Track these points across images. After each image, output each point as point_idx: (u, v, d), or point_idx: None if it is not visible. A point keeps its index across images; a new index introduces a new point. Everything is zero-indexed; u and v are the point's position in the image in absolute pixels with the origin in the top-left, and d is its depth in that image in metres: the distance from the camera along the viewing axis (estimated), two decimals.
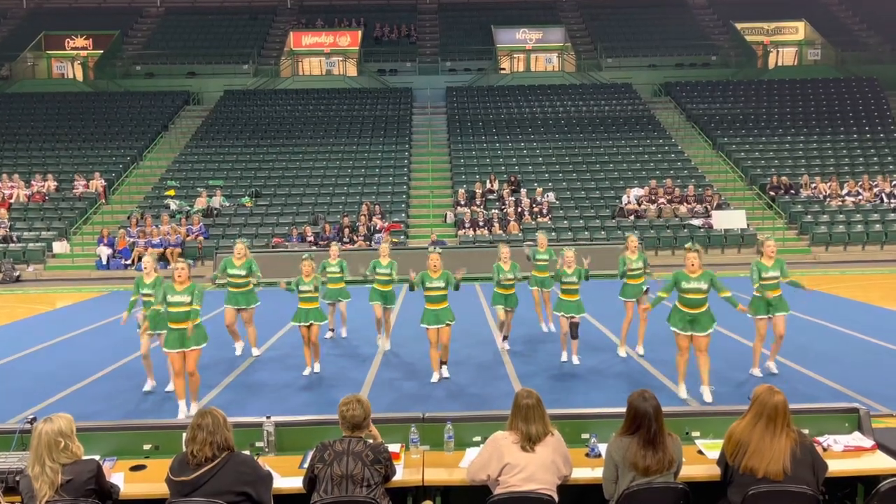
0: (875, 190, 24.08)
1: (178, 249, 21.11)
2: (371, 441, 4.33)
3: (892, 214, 22.79)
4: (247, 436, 4.98)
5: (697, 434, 5.13)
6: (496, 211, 23.00)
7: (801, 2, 36.79)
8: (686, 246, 8.23)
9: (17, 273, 20.77)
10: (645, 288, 10.31)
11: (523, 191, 24.06)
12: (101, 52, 34.48)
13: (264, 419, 5.09)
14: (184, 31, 36.50)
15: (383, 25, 36.46)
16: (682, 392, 8.19)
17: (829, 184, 24.37)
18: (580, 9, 38.17)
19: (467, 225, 22.09)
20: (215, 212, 23.42)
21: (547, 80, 33.36)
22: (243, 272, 10.36)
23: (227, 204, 24.02)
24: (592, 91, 32.24)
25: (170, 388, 8.70)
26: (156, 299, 7.99)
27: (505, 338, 10.76)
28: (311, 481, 4.24)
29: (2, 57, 33.32)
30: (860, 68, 32.82)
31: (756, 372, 8.93)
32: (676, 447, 4.28)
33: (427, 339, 9.11)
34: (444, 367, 9.34)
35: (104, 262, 21.07)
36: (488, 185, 24.41)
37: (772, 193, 24.31)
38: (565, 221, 22.84)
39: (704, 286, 7.88)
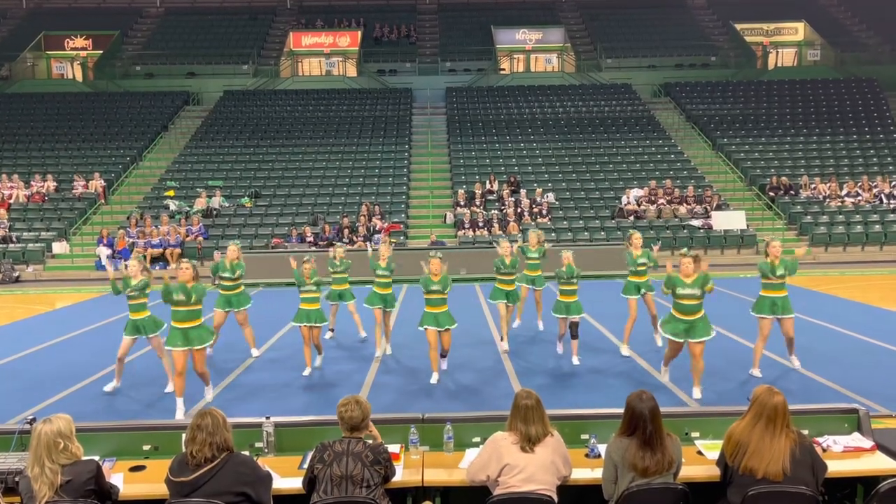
0: (874, 191, 24.09)
1: (178, 250, 21.10)
2: (371, 442, 4.33)
3: (892, 215, 22.80)
4: (246, 436, 4.98)
5: (697, 435, 5.14)
6: (496, 211, 22.99)
7: (801, 2, 36.81)
8: (681, 252, 8.35)
9: (16, 273, 20.77)
10: (651, 291, 10.37)
11: (523, 191, 24.06)
12: (101, 52, 34.47)
13: (264, 420, 5.09)
14: (183, 32, 36.50)
15: (383, 26, 36.46)
16: (665, 377, 8.71)
17: (828, 184, 24.38)
18: (580, 9, 38.18)
19: (467, 225, 22.09)
20: (215, 212, 23.41)
21: (546, 80, 33.36)
22: (233, 274, 10.35)
23: (227, 204, 24.01)
24: (592, 91, 32.25)
25: (169, 388, 8.74)
26: (163, 298, 7.93)
27: (502, 338, 10.76)
28: (311, 482, 4.25)
29: (1, 57, 33.31)
30: (859, 69, 32.84)
31: (756, 372, 8.93)
32: (676, 448, 4.28)
33: (426, 341, 9.12)
34: (444, 360, 9.41)
35: (103, 262, 21.05)
36: (488, 186, 24.41)
37: (771, 194, 24.32)
38: (565, 222, 22.84)
39: (699, 292, 7.93)
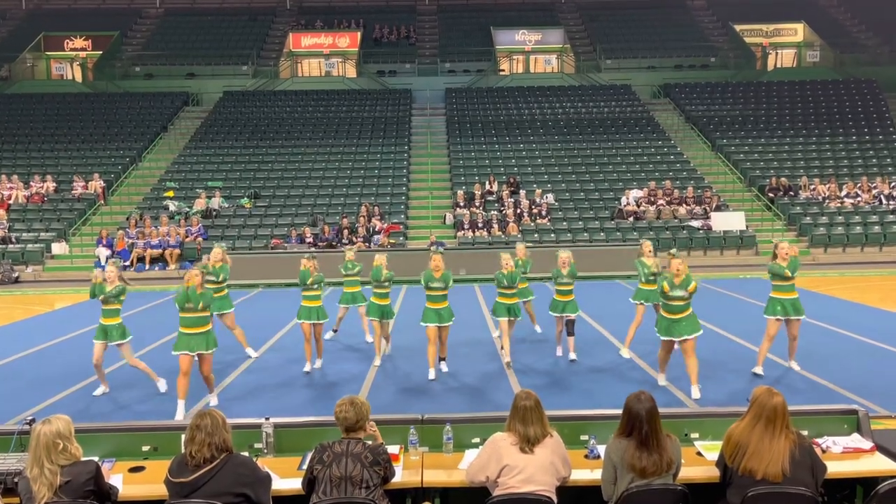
0: (874, 192, 24.10)
1: (177, 251, 21.10)
2: (370, 442, 4.33)
3: (891, 216, 22.81)
4: (246, 437, 4.98)
5: (696, 436, 5.13)
6: (495, 212, 22.99)
7: (800, 3, 36.83)
8: (670, 252, 8.52)
9: (15, 274, 20.75)
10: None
11: (522, 192, 24.06)
12: (101, 53, 34.46)
13: (263, 420, 5.09)
14: (183, 33, 36.50)
15: (382, 27, 36.47)
16: (661, 380, 8.71)
17: (827, 185, 24.39)
18: (579, 10, 38.20)
19: (466, 226, 22.09)
20: (214, 213, 23.41)
21: (546, 81, 33.36)
22: (217, 278, 10.26)
23: (226, 205, 24.01)
24: (591, 92, 32.25)
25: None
26: (177, 301, 7.98)
27: (502, 348, 10.71)
28: (310, 482, 4.25)
29: (1, 58, 33.30)
30: (859, 70, 32.86)
31: (758, 370, 8.96)
32: (675, 449, 4.28)
33: (426, 337, 9.17)
34: (443, 363, 9.49)
35: (103, 263, 21.03)
36: (487, 187, 24.41)
37: (771, 195, 24.33)
38: (564, 223, 22.84)
39: (686, 293, 8.08)
